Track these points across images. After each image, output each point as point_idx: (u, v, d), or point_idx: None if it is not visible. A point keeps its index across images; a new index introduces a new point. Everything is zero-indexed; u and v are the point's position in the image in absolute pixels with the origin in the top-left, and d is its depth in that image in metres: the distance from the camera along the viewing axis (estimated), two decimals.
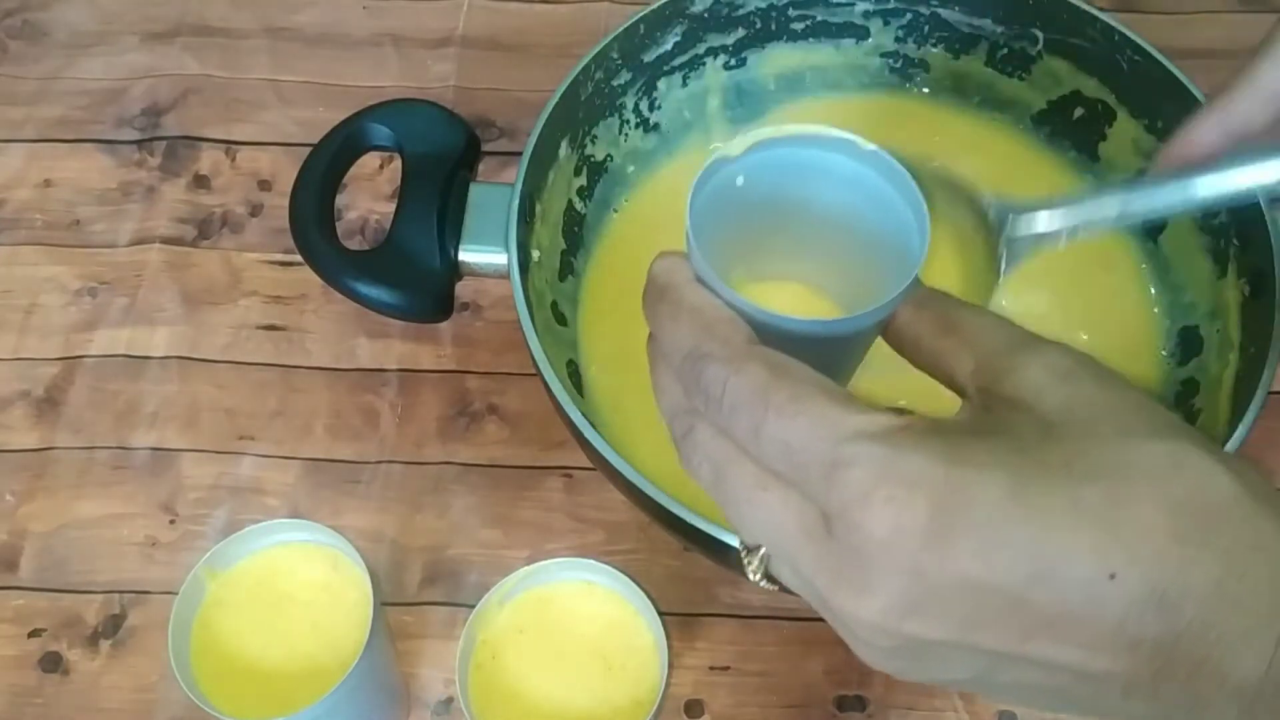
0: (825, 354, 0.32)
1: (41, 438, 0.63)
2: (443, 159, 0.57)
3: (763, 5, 0.64)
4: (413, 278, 0.55)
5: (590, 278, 0.63)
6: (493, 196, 0.56)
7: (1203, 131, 0.45)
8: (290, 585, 0.49)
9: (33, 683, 0.56)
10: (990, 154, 0.65)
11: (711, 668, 0.56)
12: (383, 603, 0.48)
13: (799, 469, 0.28)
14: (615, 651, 0.49)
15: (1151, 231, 0.62)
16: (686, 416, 0.31)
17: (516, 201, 0.55)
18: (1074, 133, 0.65)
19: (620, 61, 0.61)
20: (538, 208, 0.58)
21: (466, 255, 0.56)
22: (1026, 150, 0.66)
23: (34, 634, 0.57)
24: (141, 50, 0.77)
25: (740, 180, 0.34)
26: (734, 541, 0.45)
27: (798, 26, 0.65)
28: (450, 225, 0.56)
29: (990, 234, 0.47)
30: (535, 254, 0.57)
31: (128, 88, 0.75)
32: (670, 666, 0.48)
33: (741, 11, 0.64)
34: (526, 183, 0.56)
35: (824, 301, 0.36)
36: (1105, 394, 0.29)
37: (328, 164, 0.57)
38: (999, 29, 0.63)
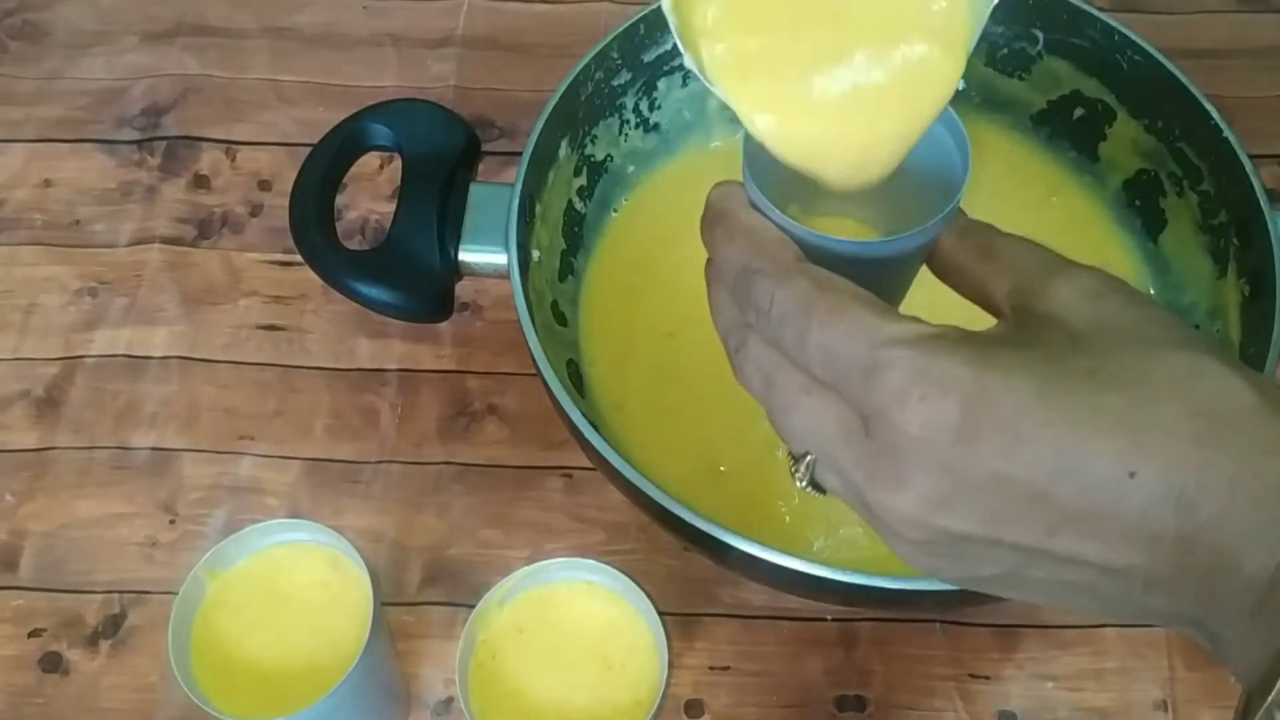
0: (871, 276, 0.33)
1: (41, 438, 0.63)
2: (443, 159, 0.57)
3: None
4: (413, 278, 0.55)
5: (590, 278, 0.63)
6: (493, 196, 0.56)
7: None
8: (290, 585, 0.49)
9: (33, 683, 0.56)
10: (990, 154, 0.65)
11: (711, 668, 0.56)
12: (383, 603, 0.48)
13: (840, 374, 0.30)
14: (615, 651, 0.49)
15: (1151, 231, 0.62)
16: (740, 331, 0.33)
17: (516, 201, 0.55)
18: (1074, 133, 0.65)
19: (620, 61, 0.61)
20: (537, 208, 0.58)
21: (466, 255, 0.56)
22: (1026, 150, 0.66)
23: (34, 634, 0.57)
24: (141, 50, 0.77)
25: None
26: (732, 541, 0.46)
27: None
28: (450, 225, 0.56)
29: None
30: (535, 254, 0.57)
31: (128, 88, 0.75)
32: (670, 666, 0.48)
33: None
34: (526, 183, 0.56)
35: (874, 234, 0.38)
36: (1132, 310, 0.30)
37: (328, 164, 0.57)
38: (999, 29, 0.63)
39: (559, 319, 0.60)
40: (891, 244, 0.33)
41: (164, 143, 0.73)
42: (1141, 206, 0.63)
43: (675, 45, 0.64)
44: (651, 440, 0.58)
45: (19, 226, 0.70)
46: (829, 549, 0.55)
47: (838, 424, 0.30)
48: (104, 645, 0.57)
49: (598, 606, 0.50)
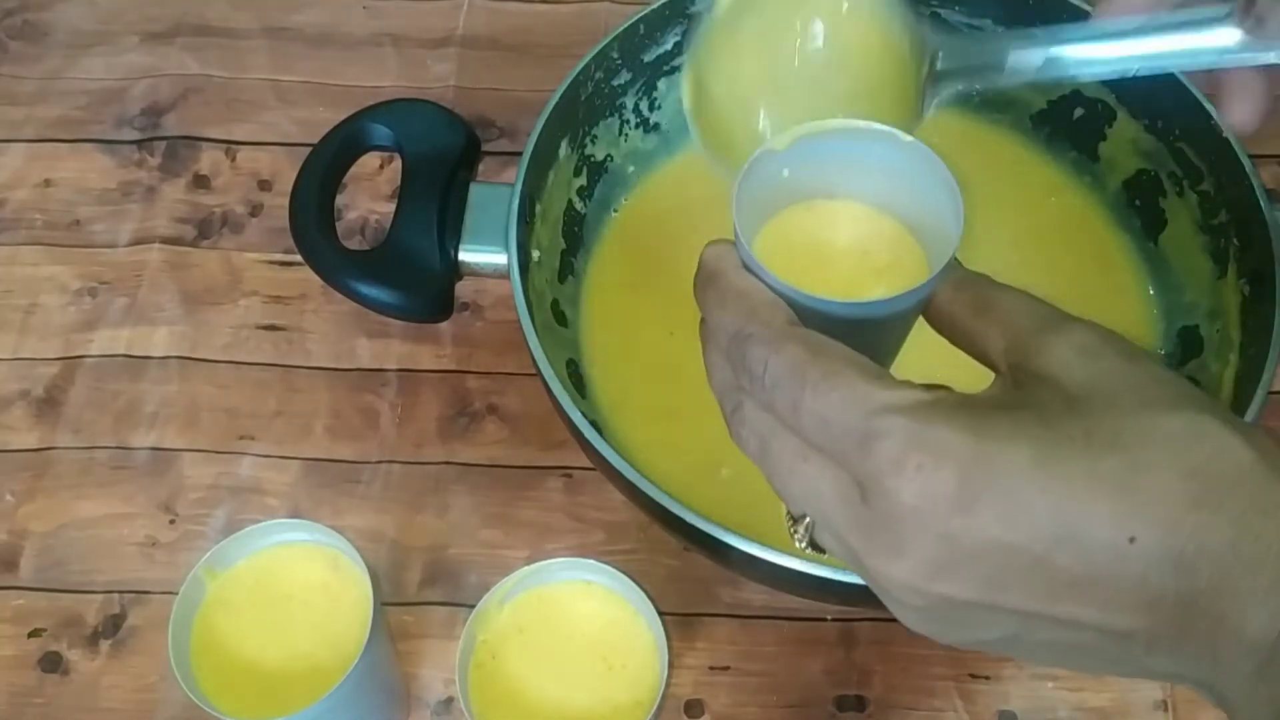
0: (867, 333, 0.34)
1: (41, 438, 0.63)
2: (443, 159, 0.57)
3: None
4: (413, 278, 0.55)
5: (591, 278, 0.63)
6: (493, 196, 0.56)
7: None
8: (290, 585, 0.49)
9: (33, 683, 0.56)
10: (990, 154, 0.65)
11: (711, 667, 0.56)
12: (383, 603, 0.48)
13: (835, 441, 0.30)
14: (615, 651, 0.49)
15: (1151, 231, 0.62)
16: (734, 394, 0.33)
17: (516, 202, 0.55)
18: (1074, 133, 0.65)
19: (620, 61, 0.61)
20: (537, 208, 0.58)
21: (466, 255, 0.56)
22: (1026, 151, 0.66)
23: (34, 634, 0.57)
24: (141, 50, 0.77)
25: (785, 173, 0.36)
26: (732, 541, 0.46)
27: None
28: (450, 225, 0.56)
29: (920, 65, 0.46)
30: (535, 254, 0.57)
31: (128, 88, 0.75)
32: (670, 666, 0.48)
33: None
34: (526, 183, 0.56)
35: (886, 218, 0.37)
36: (1129, 369, 0.30)
37: (328, 164, 0.57)
38: (999, 29, 0.63)
39: (559, 319, 0.60)
40: (886, 304, 0.33)
41: (164, 143, 0.73)
42: (1141, 206, 0.63)
43: (675, 45, 0.64)
44: (652, 440, 0.58)
45: (19, 226, 0.70)
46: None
47: (834, 490, 0.30)
48: (104, 645, 0.57)
49: (598, 606, 0.50)
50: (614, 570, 0.50)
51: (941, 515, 0.28)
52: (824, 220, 0.37)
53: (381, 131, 0.58)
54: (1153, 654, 0.29)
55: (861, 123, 0.35)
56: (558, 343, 0.58)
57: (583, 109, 0.61)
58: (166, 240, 0.69)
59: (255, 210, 0.70)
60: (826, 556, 0.33)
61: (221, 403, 0.64)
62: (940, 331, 0.35)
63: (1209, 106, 0.56)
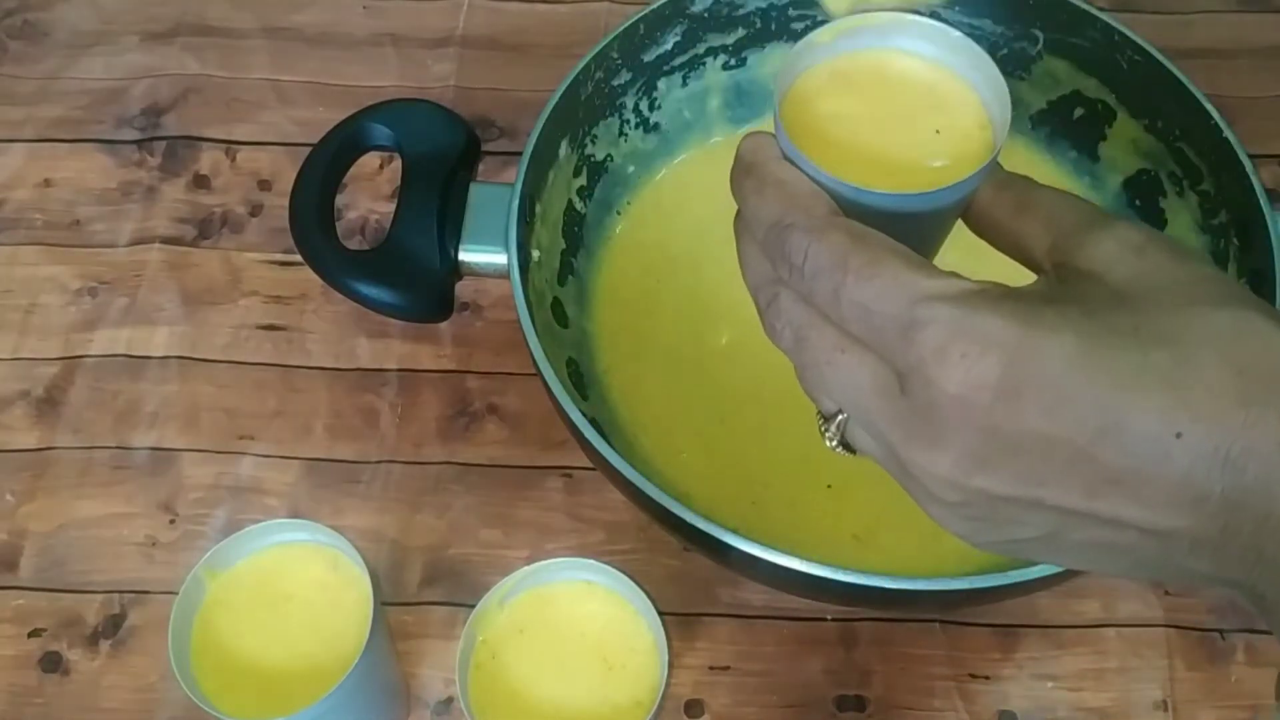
0: (907, 229, 0.33)
1: (41, 438, 0.63)
2: (442, 159, 0.57)
3: (763, 5, 0.64)
4: (413, 278, 0.55)
5: (592, 278, 0.63)
6: (493, 196, 0.56)
7: None
8: (290, 585, 0.49)
9: (33, 683, 0.56)
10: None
11: (711, 667, 0.56)
12: (383, 603, 0.48)
13: (876, 330, 0.29)
14: (615, 651, 0.49)
15: None
16: (771, 286, 0.32)
17: (516, 201, 0.55)
18: (1074, 133, 0.65)
19: (620, 61, 0.61)
20: (538, 208, 0.58)
21: (466, 255, 0.56)
22: (1026, 151, 0.66)
23: (34, 634, 0.57)
24: (141, 50, 0.77)
25: (827, 70, 0.35)
26: (733, 541, 0.46)
27: (798, 26, 0.65)
28: (450, 225, 0.56)
29: None
30: (535, 254, 0.57)
31: (128, 88, 0.75)
32: (670, 666, 0.48)
33: (741, 11, 0.64)
34: (526, 183, 0.56)
35: (956, 78, 0.37)
36: (1175, 266, 0.30)
37: (328, 164, 0.57)
38: (999, 29, 0.63)
39: (559, 319, 0.60)
40: (929, 197, 0.32)
41: (164, 143, 0.73)
42: (1141, 206, 0.63)
43: (675, 45, 0.64)
44: (655, 442, 0.58)
45: (19, 226, 0.70)
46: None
47: (872, 381, 0.30)
48: (104, 645, 0.57)
49: (598, 606, 0.50)
50: (614, 570, 0.50)
51: (984, 405, 0.27)
52: (879, 66, 0.36)
53: (381, 131, 0.58)
54: (1194, 555, 0.28)
55: (906, 15, 0.35)
56: (558, 342, 0.58)
57: (583, 109, 0.61)
58: (166, 240, 0.69)
59: (255, 210, 0.70)
60: (858, 455, 0.32)
61: (221, 403, 0.64)
62: (981, 234, 0.34)
63: (1209, 106, 0.56)
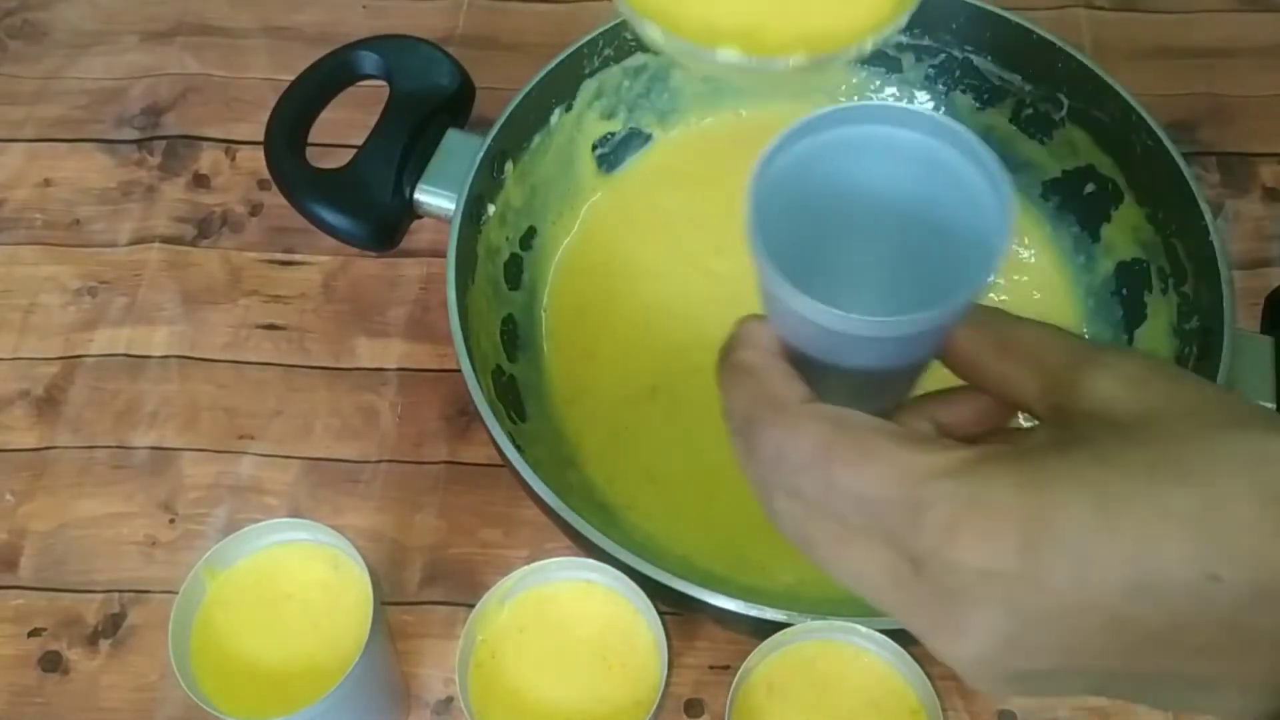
0: (885, 374, 0.31)
1: (41, 437, 0.63)
2: (427, 99, 0.58)
3: None
4: (362, 205, 0.56)
5: (564, 252, 0.65)
6: (465, 145, 0.57)
7: None
8: (290, 585, 0.49)
9: (33, 682, 0.56)
10: None
11: (711, 667, 0.56)
12: (383, 602, 0.48)
13: (879, 519, 0.28)
14: (615, 651, 0.49)
15: (1130, 325, 0.61)
16: (764, 485, 0.30)
17: (482, 154, 0.56)
18: (1081, 208, 0.64)
19: (635, 44, 0.62)
20: (508, 165, 0.59)
21: (421, 195, 0.57)
22: (1031, 219, 0.65)
23: (34, 633, 0.57)
24: (141, 50, 0.77)
25: (802, 161, 0.32)
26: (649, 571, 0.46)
27: None
28: (414, 163, 0.57)
29: None
30: (491, 208, 0.58)
31: (127, 87, 0.75)
32: (670, 666, 0.48)
33: None
34: (500, 138, 0.57)
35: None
36: (1181, 391, 0.28)
37: (315, 86, 0.58)
38: (1027, 87, 0.63)
39: (511, 279, 0.61)
40: (922, 320, 0.29)
41: (164, 142, 0.73)
42: (1127, 296, 0.62)
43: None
44: (592, 419, 0.60)
45: (19, 226, 0.70)
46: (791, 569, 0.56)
47: (883, 571, 0.28)
48: (104, 645, 0.57)
49: (597, 606, 0.50)
50: (614, 569, 0.50)
51: (1005, 583, 0.26)
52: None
53: (375, 61, 0.59)
54: (1247, 696, 0.26)
55: (889, 103, 0.31)
56: (499, 297, 0.59)
57: (585, 82, 0.62)
58: (166, 240, 0.69)
59: (255, 210, 0.70)
60: None
61: (221, 402, 0.64)
62: (964, 377, 0.33)
63: (1204, 205, 0.55)
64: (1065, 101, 0.62)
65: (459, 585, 0.58)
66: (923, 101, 0.66)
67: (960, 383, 0.33)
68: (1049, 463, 0.27)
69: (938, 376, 0.32)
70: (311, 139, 0.58)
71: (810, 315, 0.29)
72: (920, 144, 0.31)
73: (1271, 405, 0.51)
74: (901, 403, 0.34)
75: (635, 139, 0.67)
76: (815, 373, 0.31)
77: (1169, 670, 0.26)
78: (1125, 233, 0.62)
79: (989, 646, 0.27)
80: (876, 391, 0.33)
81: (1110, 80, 0.59)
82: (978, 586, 0.26)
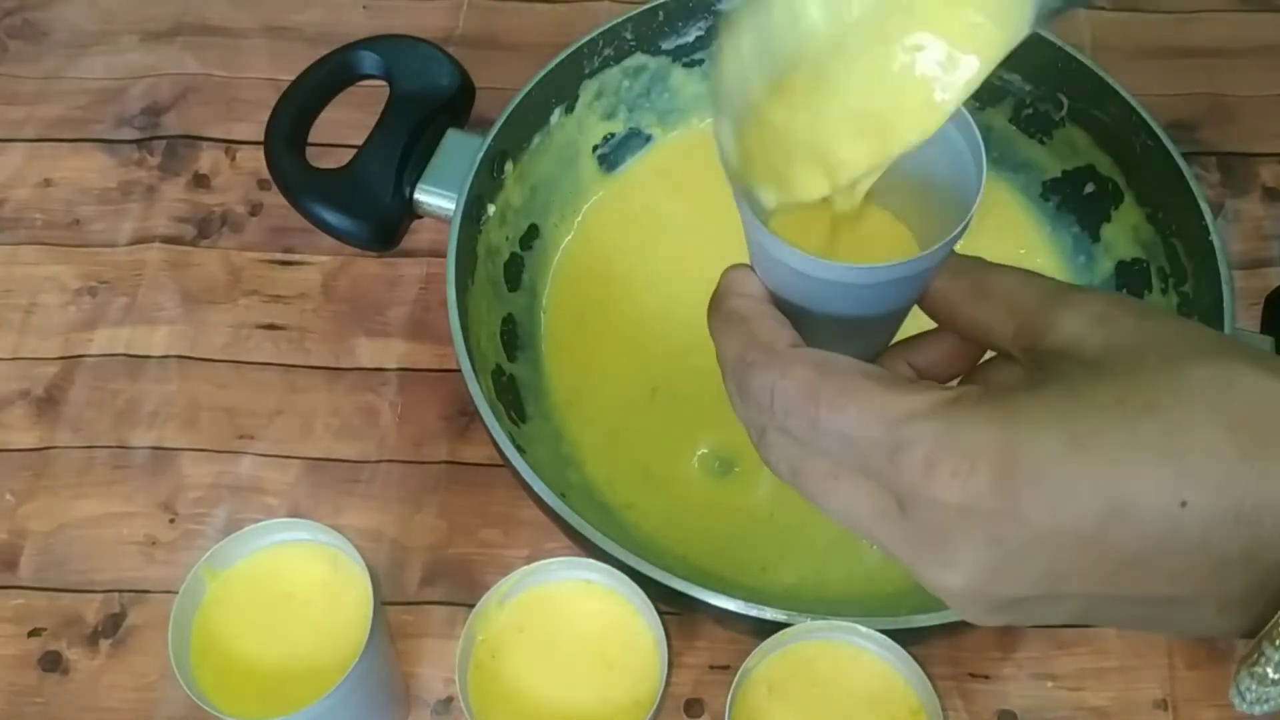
0: (868, 323, 0.32)
1: (41, 437, 0.63)
2: (428, 99, 0.58)
3: None
4: (362, 205, 0.56)
5: (561, 245, 0.65)
6: (465, 145, 0.57)
7: None
8: (290, 585, 0.49)
9: (33, 682, 0.56)
10: (996, 217, 0.65)
11: (711, 667, 0.56)
12: (383, 602, 0.48)
13: (862, 457, 0.29)
14: (615, 650, 0.49)
15: None
16: (756, 424, 0.32)
17: (482, 153, 0.56)
18: (1082, 208, 0.64)
19: (634, 44, 0.62)
20: (508, 165, 0.59)
21: (421, 195, 0.57)
22: (1031, 219, 0.65)
23: (34, 633, 0.57)
24: (141, 49, 0.77)
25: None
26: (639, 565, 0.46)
27: None
28: (414, 163, 0.57)
29: None
30: (491, 209, 0.58)
31: (127, 87, 0.75)
32: (670, 665, 0.48)
33: None
34: (500, 138, 0.57)
35: (893, 221, 0.36)
36: (1147, 326, 0.29)
37: (315, 85, 0.58)
38: (1027, 87, 0.63)
39: (511, 280, 0.61)
40: (901, 268, 0.31)
41: (164, 142, 0.73)
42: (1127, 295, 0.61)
43: (697, 39, 0.64)
44: (598, 441, 0.59)
45: (19, 226, 0.70)
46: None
47: (871, 506, 0.30)
48: (104, 645, 0.57)
49: (597, 606, 0.50)
50: (614, 570, 0.50)
51: (985, 517, 0.27)
52: (820, 216, 0.35)
53: (376, 61, 0.59)
54: (1226, 614, 0.28)
55: None
56: (498, 297, 0.59)
57: (585, 81, 0.62)
58: (166, 239, 0.69)
59: (255, 209, 0.70)
60: None
61: (221, 402, 0.64)
62: (942, 323, 0.34)
63: (1204, 205, 0.55)
64: (1065, 101, 0.62)
65: (459, 585, 0.58)
66: None
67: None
68: (1021, 400, 0.28)
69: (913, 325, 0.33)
70: (311, 139, 0.58)
71: (794, 263, 0.31)
72: None
73: None
74: (882, 348, 0.35)
75: (636, 139, 0.66)
76: (801, 319, 0.32)
77: (1148, 593, 0.27)
78: (1125, 232, 0.62)
79: (975, 577, 0.28)
80: (860, 336, 0.34)
81: (1110, 80, 0.59)
82: (959, 521, 0.27)
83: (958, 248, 0.32)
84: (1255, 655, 0.27)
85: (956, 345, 0.34)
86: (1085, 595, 0.28)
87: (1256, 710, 0.28)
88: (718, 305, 0.33)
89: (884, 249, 0.35)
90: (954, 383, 0.36)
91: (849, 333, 0.34)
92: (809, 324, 0.32)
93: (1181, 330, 0.29)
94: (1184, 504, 0.26)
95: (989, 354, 0.34)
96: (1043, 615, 0.29)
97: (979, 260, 0.33)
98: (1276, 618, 0.26)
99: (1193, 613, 0.28)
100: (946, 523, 0.28)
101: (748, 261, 0.34)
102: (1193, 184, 0.56)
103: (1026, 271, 0.32)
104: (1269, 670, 0.27)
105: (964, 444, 0.27)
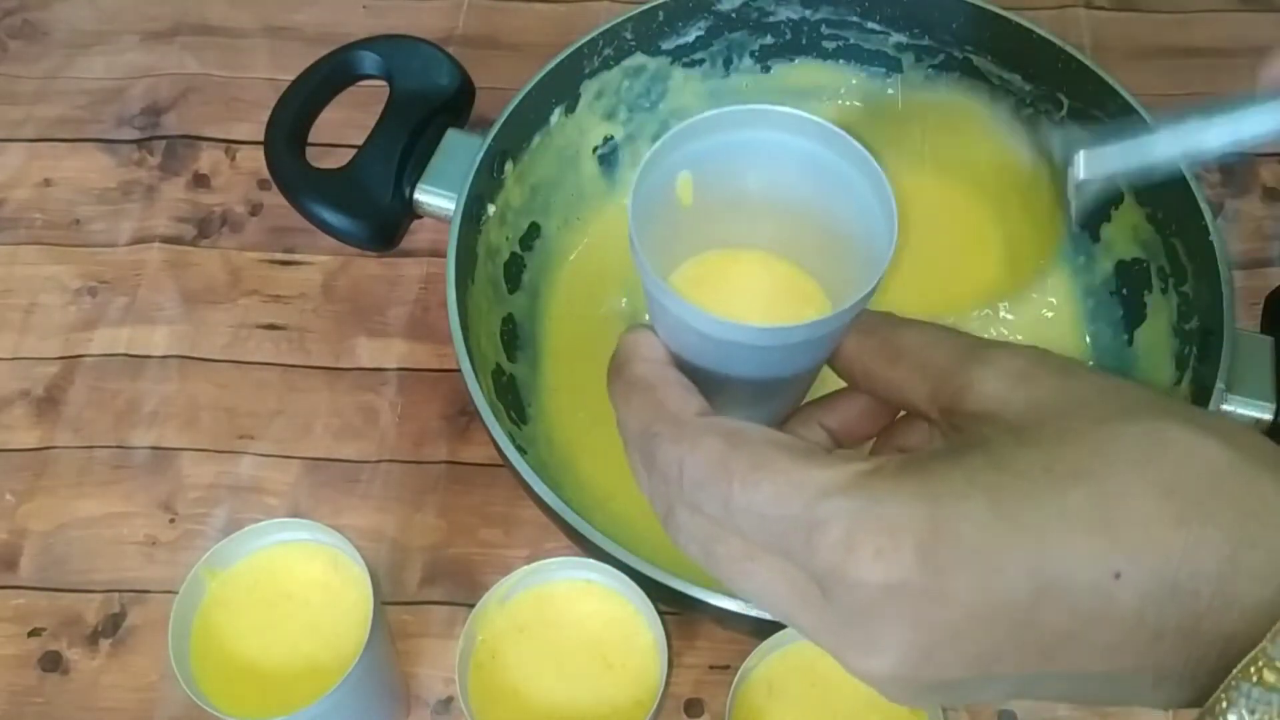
0: (776, 387, 0.31)
1: (41, 437, 0.63)
2: (428, 99, 0.58)
3: (795, 16, 0.63)
4: (362, 205, 0.56)
5: (563, 245, 0.65)
6: (464, 145, 0.57)
7: None
8: (290, 585, 0.49)
9: (33, 682, 0.56)
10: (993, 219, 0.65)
11: (711, 667, 0.56)
12: (383, 602, 0.48)
13: (778, 537, 0.27)
14: (615, 650, 0.49)
15: (1130, 324, 0.61)
16: (663, 499, 0.30)
17: (482, 154, 0.56)
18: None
19: (634, 43, 0.62)
20: (508, 165, 0.59)
21: (421, 195, 0.57)
22: (1031, 217, 0.65)
23: (34, 633, 0.57)
24: (141, 49, 0.77)
25: (685, 174, 0.32)
26: (624, 558, 0.46)
27: (829, 45, 0.65)
28: (414, 163, 0.57)
29: (1055, 174, 0.45)
30: (491, 209, 0.58)
31: (127, 87, 0.75)
32: (670, 665, 0.48)
33: (772, 19, 0.63)
34: (500, 138, 0.57)
35: (802, 276, 0.34)
36: (1070, 385, 0.28)
37: (315, 85, 0.58)
38: (1027, 87, 0.62)
39: (511, 281, 0.61)
40: (808, 329, 0.29)
41: (164, 142, 0.73)
42: (1127, 296, 0.61)
43: (697, 39, 0.63)
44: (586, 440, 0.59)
45: (19, 226, 0.70)
46: None
47: (789, 590, 0.28)
48: (104, 644, 0.57)
49: (598, 605, 0.50)
50: (614, 569, 0.50)
51: (910, 597, 0.25)
52: (725, 272, 0.33)
53: (375, 61, 0.59)
54: (1160, 687, 0.26)
55: (766, 106, 0.30)
56: (498, 298, 0.59)
57: (585, 81, 0.62)
58: (166, 239, 0.69)
59: (255, 209, 0.70)
60: None
61: (221, 402, 0.64)
62: (854, 384, 0.32)
63: (1204, 204, 0.55)
64: (1065, 101, 0.62)
65: (459, 585, 0.58)
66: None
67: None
68: (943, 471, 0.26)
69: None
70: (311, 139, 0.58)
71: (695, 323, 0.29)
72: (809, 150, 0.31)
73: (1272, 405, 0.51)
74: (793, 410, 0.34)
75: (636, 140, 0.66)
76: (706, 383, 0.31)
77: (1084, 669, 0.26)
78: (1125, 232, 0.61)
79: (902, 662, 0.26)
80: (768, 400, 0.32)
81: (1110, 80, 0.59)
82: (882, 603, 0.26)
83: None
84: None
85: (870, 405, 0.33)
86: (1018, 676, 0.26)
87: None
88: (619, 371, 0.31)
89: (794, 308, 0.33)
90: (868, 445, 0.35)
91: (757, 396, 0.32)
92: (715, 388, 0.31)
93: (1108, 388, 0.28)
94: (1117, 575, 0.25)
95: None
96: (975, 695, 0.28)
97: (889, 316, 0.32)
98: (1216, 694, 0.25)
99: (1129, 688, 0.27)
100: (870, 605, 0.26)
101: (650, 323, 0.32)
102: (1192, 184, 0.56)
103: (940, 328, 0.31)
104: None
105: (885, 520, 0.25)
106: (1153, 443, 0.26)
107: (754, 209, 0.33)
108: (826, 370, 0.33)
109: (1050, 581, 0.25)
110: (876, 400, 0.32)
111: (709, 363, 0.31)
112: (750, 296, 0.33)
